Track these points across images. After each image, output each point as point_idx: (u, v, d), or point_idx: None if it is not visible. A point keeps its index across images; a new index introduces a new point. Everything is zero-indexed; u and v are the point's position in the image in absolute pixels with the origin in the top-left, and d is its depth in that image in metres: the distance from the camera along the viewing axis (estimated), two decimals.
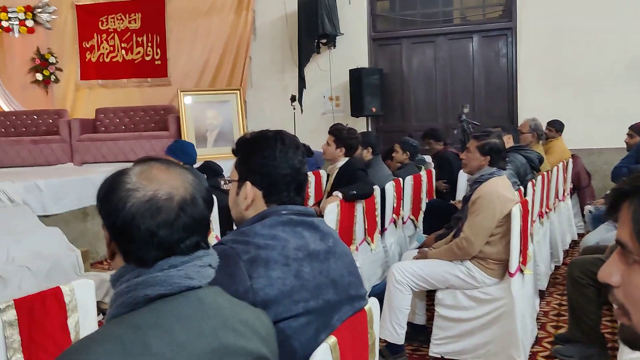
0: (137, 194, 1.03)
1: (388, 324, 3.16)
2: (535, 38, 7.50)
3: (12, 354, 1.70)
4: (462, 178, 5.39)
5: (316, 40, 7.97)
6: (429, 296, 3.58)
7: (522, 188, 4.08)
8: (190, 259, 1.06)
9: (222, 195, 2.73)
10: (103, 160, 7.73)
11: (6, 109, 8.65)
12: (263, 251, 1.41)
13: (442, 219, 4.31)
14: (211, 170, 4.84)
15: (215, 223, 3.70)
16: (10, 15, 8.69)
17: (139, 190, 1.03)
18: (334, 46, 8.08)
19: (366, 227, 4.00)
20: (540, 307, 4.06)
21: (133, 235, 1.02)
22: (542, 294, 4.30)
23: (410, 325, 3.32)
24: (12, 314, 1.69)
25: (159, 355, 0.94)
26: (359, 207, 3.90)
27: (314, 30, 7.78)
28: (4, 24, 8.68)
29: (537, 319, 3.79)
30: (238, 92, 8.13)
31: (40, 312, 1.77)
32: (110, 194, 1.05)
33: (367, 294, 1.65)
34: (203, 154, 6.56)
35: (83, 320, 1.86)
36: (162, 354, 0.94)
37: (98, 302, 1.99)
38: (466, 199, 3.33)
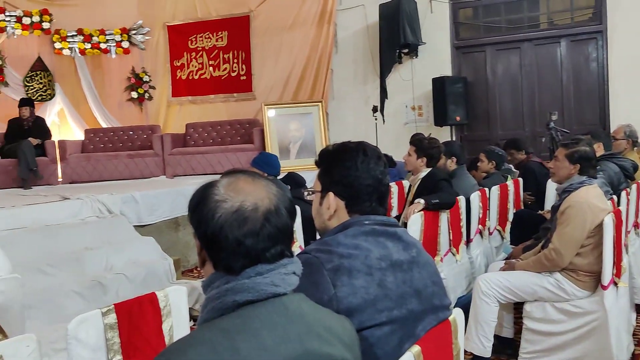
0: (225, 205, 1.09)
1: (474, 336, 3.10)
2: (628, 40, 7.15)
3: (113, 355, 1.81)
4: (550, 187, 5.19)
5: (398, 50, 7.96)
6: (517, 309, 3.48)
7: (615, 197, 3.89)
8: (275, 267, 1.10)
9: (305, 205, 2.78)
10: (193, 173, 8.05)
11: (104, 125, 9.21)
12: (346, 260, 1.43)
13: (530, 230, 4.18)
14: (294, 181, 4.94)
15: (299, 233, 3.77)
16: (107, 37, 9.27)
17: (227, 201, 1.09)
18: (416, 56, 8.04)
19: (451, 237, 3.95)
20: (637, 322, 3.84)
21: (221, 244, 1.08)
22: (639, 309, 4.06)
23: (497, 338, 3.24)
24: (112, 318, 1.80)
25: (247, 358, 0.99)
26: (444, 218, 3.85)
27: (396, 40, 7.77)
28: (103, 45, 9.26)
29: (634, 334, 3.59)
30: (320, 104, 8.24)
31: (138, 316, 1.87)
32: (201, 205, 1.11)
33: (452, 304, 1.63)
34: (286, 166, 6.70)
35: (177, 324, 1.95)
36: (250, 357, 0.99)
37: (189, 309, 2.08)
38: (555, 208, 3.22)
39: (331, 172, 1.62)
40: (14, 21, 8.83)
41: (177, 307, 2.01)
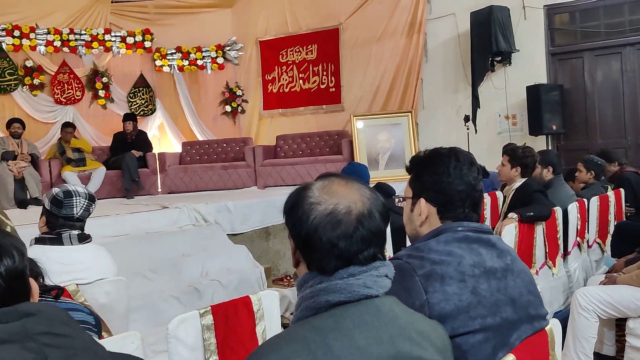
0: (319, 208, 1.11)
1: (572, 352, 2.96)
2: None
3: (210, 355, 1.88)
4: None
5: (490, 58, 7.78)
6: (619, 325, 3.29)
7: None
8: (368, 269, 1.12)
9: (395, 216, 2.79)
10: (283, 184, 8.22)
11: (200, 138, 9.61)
12: (438, 267, 1.42)
13: (632, 242, 3.95)
14: (383, 191, 4.92)
15: (389, 244, 3.76)
16: (204, 54, 9.69)
17: (321, 204, 1.12)
18: (509, 63, 7.83)
19: (547, 250, 3.80)
20: None
21: (315, 245, 1.11)
22: None
23: (597, 355, 3.07)
24: (209, 319, 1.88)
25: (341, 357, 1.00)
26: (539, 230, 3.71)
27: (488, 48, 7.61)
28: (199, 62, 9.69)
29: None
30: (410, 114, 8.19)
31: (233, 319, 1.94)
32: (296, 207, 1.15)
33: (548, 314, 1.58)
34: (375, 176, 6.69)
35: (269, 328, 2.01)
36: (343, 356, 1.00)
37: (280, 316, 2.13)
38: None
39: (422, 178, 1.62)
40: (119, 41, 9.42)
41: (270, 311, 2.06)
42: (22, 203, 7.15)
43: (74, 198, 2.52)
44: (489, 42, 7.55)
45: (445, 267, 1.42)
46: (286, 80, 9.58)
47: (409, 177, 1.69)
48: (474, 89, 8.01)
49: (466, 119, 7.68)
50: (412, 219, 1.63)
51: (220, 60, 9.75)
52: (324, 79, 9.31)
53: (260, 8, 9.62)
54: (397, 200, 1.76)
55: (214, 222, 5.72)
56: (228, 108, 9.79)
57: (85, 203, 2.55)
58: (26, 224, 3.76)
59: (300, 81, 9.47)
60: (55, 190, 2.53)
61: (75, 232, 2.47)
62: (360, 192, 1.15)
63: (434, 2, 8.48)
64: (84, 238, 2.48)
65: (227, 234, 5.69)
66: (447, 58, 8.41)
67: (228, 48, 9.73)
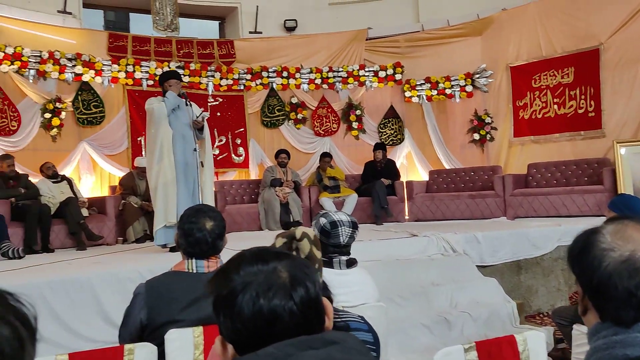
0: (614, 254, 1.05)
1: None
2: None
3: None
4: None
5: None
6: None
7: None
8: None
9: None
10: (535, 215, 7.80)
11: (447, 166, 9.63)
12: None
13: None
14: None
15: None
16: (452, 83, 9.75)
17: (615, 250, 1.05)
18: None
19: None
20: None
21: (610, 294, 1.04)
22: None
23: None
24: (473, 355, 1.86)
25: None
26: None
27: None
28: (448, 91, 9.77)
29: None
30: None
31: (497, 357, 1.90)
32: (585, 252, 1.09)
33: None
34: None
35: None
36: None
37: None
38: None
39: None
40: (372, 75, 9.98)
41: (535, 352, 1.97)
42: (286, 225, 7.94)
43: (339, 228, 2.71)
44: None
45: None
46: (539, 105, 9.13)
47: None
48: None
49: None
50: None
51: (468, 88, 9.71)
52: (582, 103, 8.65)
53: (511, 34, 9.36)
54: None
55: (462, 252, 5.67)
56: (476, 136, 9.67)
57: (350, 231, 2.74)
58: None
59: (555, 106, 8.94)
60: (322, 221, 2.75)
61: (345, 257, 2.66)
62: None
63: None
64: (351, 263, 2.66)
65: (476, 266, 5.59)
66: None
67: (477, 76, 9.64)
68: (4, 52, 7.77)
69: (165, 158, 5.53)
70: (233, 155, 9.62)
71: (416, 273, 5.20)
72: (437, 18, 10.05)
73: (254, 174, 9.66)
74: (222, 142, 9.54)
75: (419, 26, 10.14)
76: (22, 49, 7.95)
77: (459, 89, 9.75)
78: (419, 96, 9.90)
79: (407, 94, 9.92)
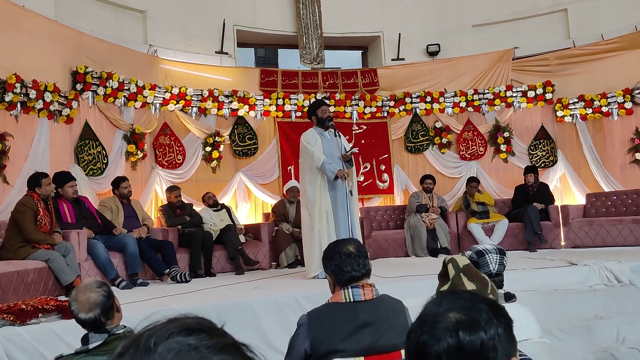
0: None
1: None
2: None
3: None
4: None
5: None
6: None
7: None
8: None
9: None
10: None
11: (606, 189, 8.98)
12: None
13: None
14: None
15: None
16: (609, 100, 9.12)
17: None
18: None
19: None
20: None
21: None
22: None
23: None
24: None
25: None
26: None
27: None
28: (604, 109, 9.15)
29: None
30: None
31: None
32: None
33: None
34: None
35: None
36: None
37: None
38: None
39: None
40: (520, 96, 9.64)
41: None
42: (433, 252, 7.87)
43: (486, 256, 2.69)
44: None
45: None
46: None
47: None
48: None
49: None
50: None
51: (628, 105, 9.02)
52: None
53: None
54: None
55: (628, 282, 5.26)
56: (638, 156, 8.93)
57: (498, 258, 2.70)
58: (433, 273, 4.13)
59: None
60: (468, 252, 2.74)
61: (501, 291, 2.62)
62: None
63: None
64: (510, 297, 2.61)
65: None
66: None
67: (637, 91, 8.94)
68: (170, 92, 8.55)
69: (317, 205, 5.82)
70: (378, 181, 9.74)
71: (577, 305, 4.91)
72: (589, 33, 9.52)
73: (398, 199, 9.70)
74: (366, 169, 9.71)
75: (570, 42, 9.66)
76: (186, 89, 8.70)
77: (616, 106, 9.10)
78: (572, 115, 9.39)
79: (559, 113, 9.45)
